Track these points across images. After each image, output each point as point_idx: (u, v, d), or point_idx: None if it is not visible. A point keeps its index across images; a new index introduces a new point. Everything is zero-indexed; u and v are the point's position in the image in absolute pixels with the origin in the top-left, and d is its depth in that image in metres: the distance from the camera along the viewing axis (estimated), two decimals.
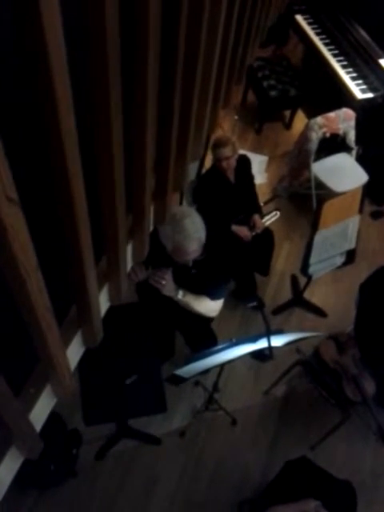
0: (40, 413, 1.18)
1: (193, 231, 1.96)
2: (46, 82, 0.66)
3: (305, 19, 4.69)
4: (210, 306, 2.33)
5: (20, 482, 2.61)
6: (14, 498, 2.63)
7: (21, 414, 1.01)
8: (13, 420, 0.93)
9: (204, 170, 3.46)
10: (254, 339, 2.23)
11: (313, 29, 4.59)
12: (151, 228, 1.59)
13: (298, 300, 3.65)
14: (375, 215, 4.22)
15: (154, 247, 2.07)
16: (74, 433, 2.65)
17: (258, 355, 2.23)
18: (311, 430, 3.09)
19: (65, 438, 2.61)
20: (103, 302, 1.36)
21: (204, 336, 2.90)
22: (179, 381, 2.15)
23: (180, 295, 2.20)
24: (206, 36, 1.29)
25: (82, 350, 1.34)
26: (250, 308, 3.06)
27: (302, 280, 3.51)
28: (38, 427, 1.19)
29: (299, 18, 4.72)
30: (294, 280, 3.79)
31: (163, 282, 2.11)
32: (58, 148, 0.76)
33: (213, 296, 2.30)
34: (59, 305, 1.21)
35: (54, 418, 2.58)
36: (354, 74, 4.15)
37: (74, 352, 1.27)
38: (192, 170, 3.12)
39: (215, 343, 2.90)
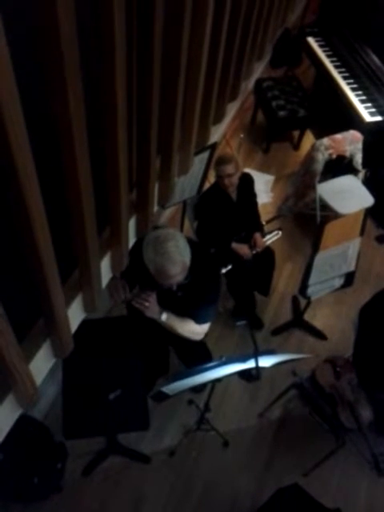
0: (0, 423, 1.16)
1: (176, 255, 1.89)
2: None
3: (316, 41, 4.72)
4: (194, 330, 2.28)
5: (3, 495, 2.58)
6: None
7: None
8: None
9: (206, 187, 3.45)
10: (243, 359, 2.19)
11: (324, 51, 4.62)
12: (132, 240, 1.58)
13: (298, 321, 3.59)
14: (380, 239, 4.16)
15: (141, 268, 2.05)
16: (59, 446, 2.61)
17: (245, 375, 2.18)
18: (305, 455, 3.00)
19: (50, 451, 2.57)
20: (75, 314, 1.35)
21: (197, 352, 2.85)
22: (163, 398, 2.11)
23: (164, 318, 2.16)
24: (189, 50, 1.29)
25: (52, 361, 1.32)
26: (241, 327, 3.02)
27: (303, 301, 3.46)
28: None
29: (311, 40, 4.76)
30: (295, 301, 3.74)
31: (146, 304, 2.07)
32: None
33: (198, 320, 2.25)
34: (25, 315, 1.21)
35: (40, 429, 2.55)
36: (364, 97, 4.15)
37: (41, 362, 1.25)
38: (194, 186, 3.12)
39: (210, 359, 2.86)
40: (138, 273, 2.10)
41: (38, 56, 0.82)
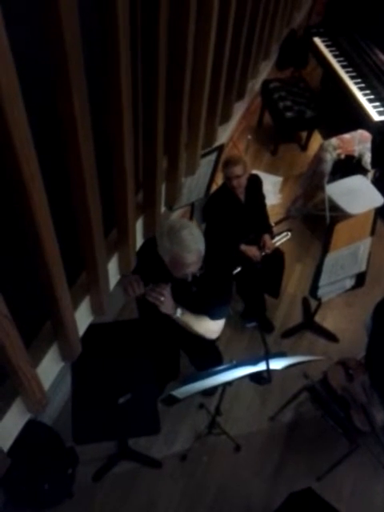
0: (8, 428, 1.14)
1: (191, 242, 1.89)
2: None
3: (323, 42, 4.70)
4: (209, 327, 2.26)
5: (14, 501, 2.57)
6: None
7: None
8: None
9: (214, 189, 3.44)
10: (254, 361, 2.16)
11: (331, 51, 4.59)
12: (140, 241, 1.57)
13: (308, 323, 3.56)
14: None
15: (153, 262, 2.04)
16: (70, 451, 2.60)
17: (255, 378, 2.15)
18: (318, 459, 2.96)
19: (61, 456, 2.56)
20: (83, 316, 1.33)
21: (209, 355, 2.83)
22: (174, 402, 2.09)
23: (179, 313, 2.14)
24: (194, 48, 1.28)
25: (60, 365, 1.31)
26: (251, 328, 2.99)
27: (314, 303, 3.43)
28: (5, 445, 1.15)
29: (317, 40, 4.74)
30: (306, 303, 3.70)
31: (162, 299, 2.03)
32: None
33: (213, 316, 2.23)
34: (32, 318, 1.19)
35: (50, 435, 2.54)
36: (371, 96, 4.11)
37: (49, 366, 1.24)
38: (201, 188, 3.11)
39: (220, 362, 2.83)
40: (149, 270, 2.08)
41: (43, 56, 0.81)
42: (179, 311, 2.14)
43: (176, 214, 3.79)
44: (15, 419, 1.16)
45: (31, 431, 2.41)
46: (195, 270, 2.02)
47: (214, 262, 2.14)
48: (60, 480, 2.58)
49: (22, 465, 2.35)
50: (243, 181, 3.09)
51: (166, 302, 2.06)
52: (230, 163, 3.03)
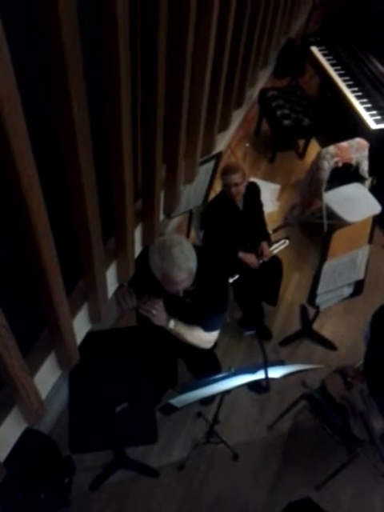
0: (5, 437, 1.13)
1: (182, 261, 1.89)
2: None
3: (320, 51, 4.73)
4: (203, 338, 2.26)
5: (10, 510, 2.54)
6: None
7: None
8: None
9: (212, 197, 3.44)
10: (252, 370, 2.15)
11: (328, 60, 4.62)
12: (138, 249, 1.56)
13: (306, 331, 3.55)
14: None
15: (148, 276, 2.04)
16: (66, 460, 2.57)
17: (254, 386, 2.14)
18: (317, 468, 2.94)
19: (57, 465, 2.53)
20: (81, 324, 1.32)
21: (207, 363, 2.82)
22: (172, 410, 2.07)
23: (171, 325, 2.15)
24: (193, 56, 1.28)
25: (57, 374, 1.30)
26: (249, 336, 2.98)
27: (312, 311, 3.42)
28: (2, 454, 1.14)
29: (314, 49, 4.77)
30: (304, 311, 3.69)
31: (154, 312, 2.06)
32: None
33: (206, 328, 2.23)
34: (29, 326, 1.18)
35: (46, 443, 2.52)
36: (369, 105, 4.14)
37: (46, 375, 1.23)
38: (199, 196, 3.11)
39: (218, 370, 2.82)
40: (144, 281, 2.08)
41: (41, 65, 0.81)
42: (172, 323, 2.15)
43: (174, 222, 3.80)
44: (12, 429, 1.15)
45: (28, 440, 2.39)
46: (186, 287, 2.03)
47: (209, 274, 2.14)
48: (57, 489, 2.55)
49: (18, 473, 2.33)
50: (242, 188, 3.09)
51: (158, 314, 2.08)
52: (228, 171, 3.04)
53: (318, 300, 2.94)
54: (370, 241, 2.98)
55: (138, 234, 1.53)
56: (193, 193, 2.95)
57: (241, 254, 3.21)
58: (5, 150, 0.72)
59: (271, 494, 2.86)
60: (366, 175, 3.94)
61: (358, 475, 2.91)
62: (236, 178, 3.02)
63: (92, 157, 1.00)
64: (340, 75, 4.44)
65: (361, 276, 2.96)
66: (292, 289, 3.86)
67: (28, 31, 0.87)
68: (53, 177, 0.99)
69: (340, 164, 3.73)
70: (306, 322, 3.59)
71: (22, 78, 0.71)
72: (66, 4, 0.72)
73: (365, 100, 4.18)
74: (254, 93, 3.52)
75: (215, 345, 2.51)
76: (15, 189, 0.79)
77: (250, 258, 3.20)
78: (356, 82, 4.34)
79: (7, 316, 0.89)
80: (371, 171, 3.94)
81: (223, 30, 1.52)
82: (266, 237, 3.35)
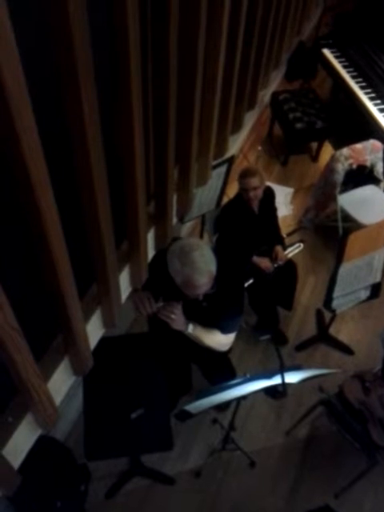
0: (19, 444, 1.12)
1: (202, 264, 1.87)
2: None
3: (332, 53, 4.70)
4: (221, 340, 2.25)
5: None
6: None
7: None
8: None
9: (226, 200, 3.43)
10: (268, 375, 2.12)
11: (340, 62, 4.59)
12: (151, 253, 1.55)
13: (323, 336, 3.50)
14: None
15: (164, 279, 2.02)
16: (82, 468, 2.56)
17: (270, 392, 2.11)
18: (336, 475, 2.88)
19: (73, 473, 2.52)
20: (94, 329, 1.31)
21: (221, 368, 2.79)
22: (187, 417, 2.05)
23: (190, 329, 2.13)
24: (205, 58, 1.27)
25: (71, 379, 1.29)
26: (264, 341, 2.94)
27: (328, 315, 3.37)
28: (16, 461, 1.13)
29: (326, 51, 4.74)
30: (320, 315, 3.64)
31: (173, 317, 2.04)
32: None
33: (224, 330, 2.22)
34: (42, 332, 1.17)
35: (62, 451, 2.50)
36: (382, 106, 4.09)
37: (60, 381, 1.21)
38: (212, 200, 3.09)
39: (233, 375, 2.79)
40: (161, 284, 2.07)
41: (53, 66, 0.81)
42: (191, 327, 2.14)
43: (187, 226, 3.78)
44: (26, 435, 1.14)
45: (43, 447, 2.38)
46: (207, 290, 2.01)
47: (224, 277, 2.12)
48: (72, 497, 2.53)
49: (34, 482, 2.31)
50: (260, 192, 3.07)
51: (177, 319, 2.07)
52: (247, 174, 3.01)
53: (335, 303, 2.89)
54: None
55: (150, 237, 1.52)
56: (205, 198, 2.93)
57: (255, 259, 3.18)
58: (16, 151, 0.71)
59: (289, 502, 2.81)
60: (381, 177, 3.89)
61: (378, 482, 2.85)
62: (255, 181, 3.00)
63: (104, 159, 0.98)
64: (353, 77, 4.41)
65: (378, 279, 2.90)
66: (307, 293, 3.81)
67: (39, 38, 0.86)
68: (65, 180, 0.98)
69: (354, 166, 3.69)
70: (322, 326, 3.54)
71: (33, 78, 0.70)
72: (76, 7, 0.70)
73: (378, 101, 4.14)
74: (266, 94, 3.49)
75: (230, 350, 2.49)
76: (27, 191, 0.78)
77: (264, 263, 3.17)
78: (369, 84, 4.30)
79: (20, 321, 0.87)
80: None
81: (235, 31, 1.51)
82: (280, 241, 3.32)
